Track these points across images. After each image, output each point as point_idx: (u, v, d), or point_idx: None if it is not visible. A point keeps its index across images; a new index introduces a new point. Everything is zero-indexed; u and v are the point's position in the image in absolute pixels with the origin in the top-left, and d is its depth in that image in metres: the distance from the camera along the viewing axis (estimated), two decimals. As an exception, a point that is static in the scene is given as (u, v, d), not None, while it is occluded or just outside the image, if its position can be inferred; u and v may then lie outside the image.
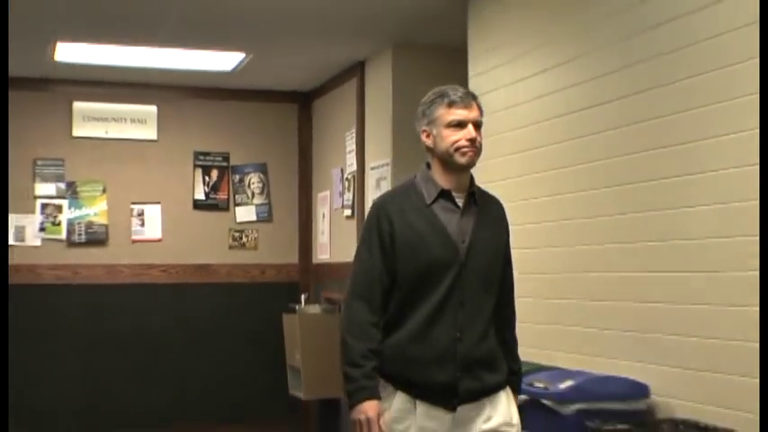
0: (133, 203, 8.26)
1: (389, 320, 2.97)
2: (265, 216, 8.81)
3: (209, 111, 8.64)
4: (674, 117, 4.20)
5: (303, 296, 8.31)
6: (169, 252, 8.41)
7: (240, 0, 6.02)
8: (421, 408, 2.90)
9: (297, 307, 8.13)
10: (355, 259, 3.10)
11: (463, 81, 5.89)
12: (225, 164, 8.66)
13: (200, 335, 8.47)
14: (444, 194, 2.99)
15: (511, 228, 3.34)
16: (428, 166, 3.09)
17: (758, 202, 3.56)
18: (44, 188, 8.05)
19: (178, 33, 6.92)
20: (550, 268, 4.85)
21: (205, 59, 7.52)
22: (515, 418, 3.03)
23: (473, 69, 6.02)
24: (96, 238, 8.15)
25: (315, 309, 8.12)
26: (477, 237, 3.00)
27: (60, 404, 8.02)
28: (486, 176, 5.25)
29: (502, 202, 3.29)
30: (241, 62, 7.54)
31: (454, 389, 2.90)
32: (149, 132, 8.35)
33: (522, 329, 3.65)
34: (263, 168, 8.80)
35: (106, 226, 8.16)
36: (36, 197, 8.01)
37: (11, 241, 7.80)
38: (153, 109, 8.35)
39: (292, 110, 8.99)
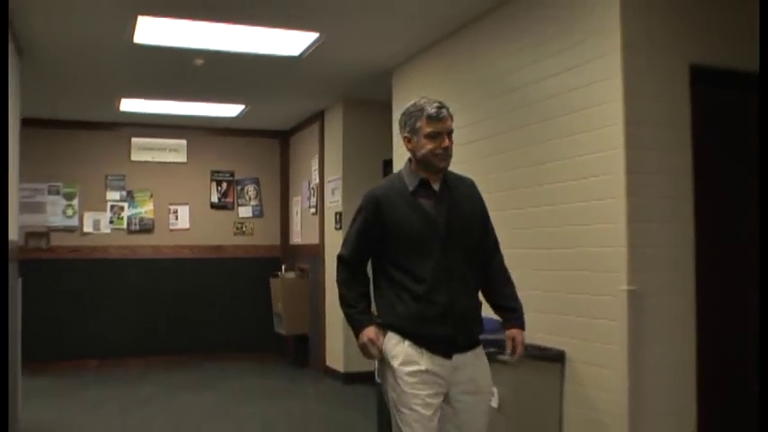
0: (170, 204, 9.70)
1: (398, 287, 3.07)
2: (258, 213, 10.20)
3: (221, 143, 10.00)
4: (550, 154, 4.57)
5: (283, 266, 9.74)
6: (194, 237, 9.77)
7: (244, 70, 6.95)
8: (427, 354, 3.01)
9: (279, 273, 9.56)
10: (346, 236, 3.25)
11: (389, 126, 6.82)
12: (231, 178, 10.04)
13: (215, 293, 9.78)
14: (423, 183, 3.09)
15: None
16: (410, 161, 3.17)
17: (607, 201, 4.05)
18: (112, 195, 9.44)
19: (202, 95, 8.10)
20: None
21: (217, 109, 8.70)
22: (488, 372, 3.18)
23: (396, 115, 6.50)
24: (146, 227, 9.56)
25: (291, 275, 9.51)
26: (453, 213, 3.08)
27: (122, 338, 9.31)
28: None
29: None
30: (242, 111, 8.84)
31: (454, 340, 3.03)
32: (181, 157, 9.80)
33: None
34: (257, 181, 10.19)
35: (153, 220, 9.60)
36: (107, 200, 9.42)
37: (90, 229, 9.23)
38: (184, 142, 9.80)
39: (276, 143, 10.34)
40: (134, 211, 9.58)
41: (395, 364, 3.05)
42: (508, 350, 3.28)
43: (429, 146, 3.05)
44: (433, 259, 3.03)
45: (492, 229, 3.35)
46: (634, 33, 4.12)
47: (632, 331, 3.97)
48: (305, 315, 9.40)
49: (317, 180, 9.09)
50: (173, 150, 9.79)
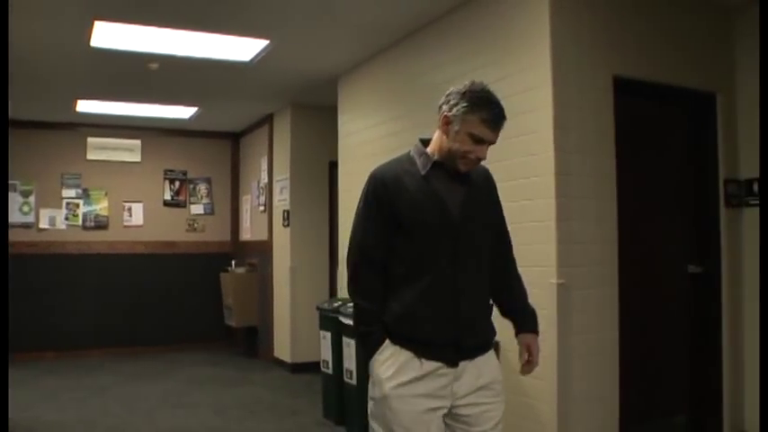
0: (125, 202, 9.53)
1: (395, 283, 2.52)
2: (210, 210, 10.11)
3: (175, 143, 9.86)
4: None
5: (233, 262, 9.65)
6: (148, 233, 9.65)
7: (197, 75, 6.84)
8: (427, 364, 2.46)
9: (229, 268, 9.56)
10: (357, 227, 2.61)
11: (335, 130, 6.99)
12: (184, 177, 9.93)
13: (168, 287, 9.67)
14: (437, 165, 2.54)
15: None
16: (422, 142, 2.62)
17: (538, 201, 4.14)
18: (68, 192, 9.24)
19: (157, 98, 8.01)
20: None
21: (170, 111, 8.59)
22: (500, 375, 2.60)
23: (341, 119, 6.90)
24: (101, 224, 9.39)
25: (241, 269, 9.47)
26: (469, 204, 2.55)
27: (79, 330, 9.15)
28: (348, 183, 6.55)
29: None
30: (195, 113, 8.76)
31: (459, 346, 2.48)
32: (136, 157, 9.65)
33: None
34: (208, 180, 10.12)
35: (107, 217, 9.44)
36: (62, 198, 9.22)
37: (46, 226, 9.02)
38: (138, 142, 9.66)
39: (227, 144, 10.28)
40: (89, 208, 9.42)
41: (387, 375, 2.49)
42: (523, 359, 2.70)
43: (466, 146, 2.49)
44: (443, 252, 2.50)
45: (507, 230, 2.80)
46: (562, 46, 4.21)
47: (561, 322, 4.06)
48: (254, 308, 9.38)
49: (266, 180, 9.08)
50: (127, 150, 9.67)
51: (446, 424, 2.54)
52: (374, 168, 2.63)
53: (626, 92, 4.47)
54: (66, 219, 9.32)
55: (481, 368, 2.55)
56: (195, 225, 10.06)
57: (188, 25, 5.47)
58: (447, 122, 2.51)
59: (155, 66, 6.49)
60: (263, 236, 9.17)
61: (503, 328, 2.75)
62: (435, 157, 2.56)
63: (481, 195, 2.64)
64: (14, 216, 8.99)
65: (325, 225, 8.45)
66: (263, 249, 9.18)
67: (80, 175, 9.43)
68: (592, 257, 4.24)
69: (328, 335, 5.88)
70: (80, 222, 9.39)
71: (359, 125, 6.56)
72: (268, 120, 9.08)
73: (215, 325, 9.85)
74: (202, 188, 10.14)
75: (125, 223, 9.63)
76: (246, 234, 9.94)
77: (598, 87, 4.33)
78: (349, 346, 5.50)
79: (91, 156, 9.44)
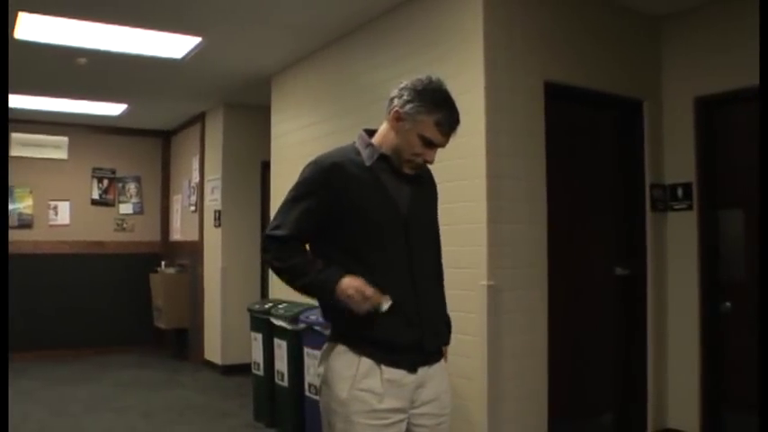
0: (50, 200, 9.30)
1: None
2: (139, 210, 9.97)
3: (103, 141, 9.69)
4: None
5: (163, 262, 9.59)
6: (75, 233, 9.42)
7: (126, 71, 6.72)
8: (387, 370, 2.28)
9: (159, 269, 9.48)
10: (280, 211, 2.37)
11: (268, 129, 6.95)
12: (112, 175, 9.77)
13: (96, 288, 9.48)
14: (383, 158, 2.37)
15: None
16: (367, 133, 2.47)
17: (471, 203, 4.16)
18: None
19: (85, 94, 7.82)
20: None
21: (99, 107, 8.40)
22: (450, 392, 2.49)
23: (274, 119, 6.89)
24: (25, 223, 9.14)
25: (171, 270, 9.37)
26: (416, 200, 2.40)
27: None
28: (280, 184, 6.46)
29: None
30: (125, 110, 8.60)
31: (421, 348, 2.33)
32: (62, 154, 9.42)
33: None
34: (138, 179, 9.96)
35: (32, 215, 9.19)
36: None
37: None
38: (65, 139, 9.43)
39: (158, 142, 10.13)
40: (13, 206, 9.14)
41: (344, 388, 2.28)
42: None
43: (415, 148, 2.34)
44: (396, 248, 2.32)
45: (440, 236, 2.62)
46: (495, 50, 4.26)
47: (491, 323, 4.10)
48: (184, 309, 9.28)
49: (198, 179, 9.02)
50: (54, 147, 9.44)
51: None
52: (316, 156, 2.42)
53: (557, 97, 4.55)
54: (-11, 217, 9.00)
55: (437, 377, 2.43)
56: (124, 225, 9.91)
57: (118, 20, 5.36)
58: (398, 119, 2.35)
59: (83, 61, 6.36)
60: (194, 236, 9.08)
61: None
62: (382, 150, 2.39)
63: (425, 194, 2.51)
64: (-68, 214, 8.61)
65: (257, 226, 8.40)
66: (193, 250, 9.09)
67: (4, 172, 9.11)
68: (522, 260, 4.30)
69: (259, 336, 5.85)
70: (4, 221, 9.05)
71: (292, 125, 6.55)
72: (200, 118, 9.00)
73: (144, 327, 9.70)
74: (132, 187, 9.98)
75: (50, 222, 9.39)
76: (177, 234, 9.85)
77: (530, 92, 4.40)
78: (280, 347, 5.48)
79: (15, 152, 9.13)
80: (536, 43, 4.46)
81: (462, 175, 4.26)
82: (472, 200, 4.21)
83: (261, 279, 8.35)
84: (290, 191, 2.39)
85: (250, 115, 8.33)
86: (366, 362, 2.29)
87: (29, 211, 9.27)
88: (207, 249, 8.74)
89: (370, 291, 2.22)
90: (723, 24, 4.79)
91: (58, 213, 9.44)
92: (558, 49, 4.59)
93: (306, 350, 5.08)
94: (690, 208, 4.99)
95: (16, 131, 9.16)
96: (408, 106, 2.32)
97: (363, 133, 2.47)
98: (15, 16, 5.22)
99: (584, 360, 4.90)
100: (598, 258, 5.00)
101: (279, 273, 2.35)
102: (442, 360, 2.48)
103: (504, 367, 4.17)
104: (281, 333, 5.41)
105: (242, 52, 6.26)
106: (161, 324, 9.30)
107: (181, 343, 9.42)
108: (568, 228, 4.73)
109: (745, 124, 4.71)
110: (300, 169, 2.45)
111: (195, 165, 9.15)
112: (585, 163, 4.97)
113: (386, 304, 2.26)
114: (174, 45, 5.99)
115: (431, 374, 2.39)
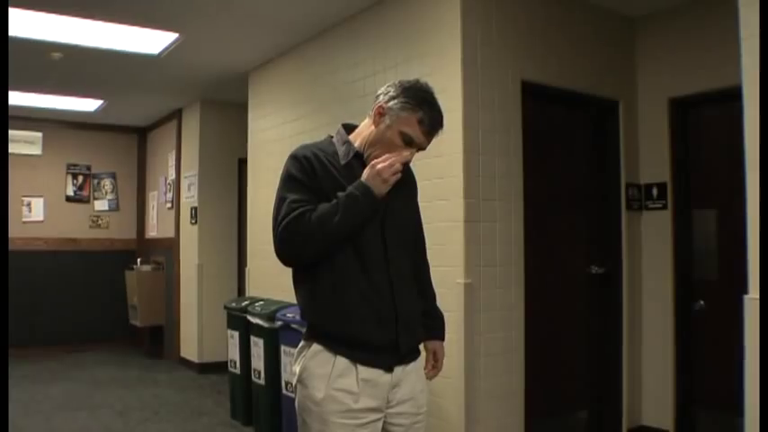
0: (24, 196, 9.21)
1: (320, 282, 2.26)
2: (114, 207, 9.91)
3: (78, 137, 9.60)
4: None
5: (139, 260, 9.53)
6: (49, 230, 9.33)
7: (102, 66, 6.67)
8: (363, 370, 2.25)
9: (134, 266, 9.40)
10: (280, 203, 2.28)
11: (245, 126, 6.93)
12: (87, 172, 9.69)
13: (70, 285, 9.39)
14: (359, 156, 2.35)
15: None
16: (346, 128, 2.45)
17: (448, 201, 4.18)
18: None
19: (60, 89, 7.70)
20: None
21: (74, 103, 8.38)
22: (426, 391, 2.47)
23: (251, 115, 6.86)
24: None
25: (146, 267, 9.32)
26: (393, 198, 2.32)
27: None
28: (257, 181, 6.54)
29: None
30: (100, 106, 8.55)
31: (397, 346, 2.30)
32: (36, 150, 9.33)
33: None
34: (113, 175, 9.90)
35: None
36: None
37: None
38: (39, 134, 9.33)
39: (134, 138, 10.09)
40: (-15, 202, 8.97)
41: (319, 387, 2.25)
42: (428, 365, 2.59)
43: (393, 146, 2.31)
44: (372, 248, 2.29)
45: (423, 233, 2.65)
46: (473, 48, 4.27)
47: (467, 321, 4.12)
48: (160, 307, 9.23)
49: (174, 176, 8.97)
50: (27, 142, 9.31)
51: None
52: (294, 149, 2.38)
53: (534, 96, 4.60)
54: (-40, 213, 8.88)
55: (413, 376, 2.40)
56: (99, 221, 9.83)
57: (94, 14, 5.31)
58: (380, 113, 2.33)
59: (58, 55, 6.30)
60: (170, 233, 9.03)
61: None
62: (357, 147, 2.37)
63: (404, 193, 2.44)
64: None
65: (234, 223, 8.39)
66: (169, 247, 9.05)
67: (-25, 167, 9.00)
68: (499, 258, 4.32)
69: (236, 334, 5.83)
70: (-25, 217, 8.97)
71: (269, 122, 6.54)
72: (177, 115, 8.96)
73: (119, 324, 9.64)
74: (107, 183, 9.91)
75: (24, 219, 9.29)
76: (152, 231, 9.78)
77: (507, 90, 4.42)
78: (257, 345, 5.46)
79: (-12, 148, 9.01)
80: (513, 42, 4.49)
81: (439, 173, 4.27)
82: (449, 198, 4.22)
83: (237, 276, 8.31)
84: (280, 189, 2.33)
85: (227, 112, 8.31)
86: (342, 361, 2.26)
87: (2, 208, 9.12)
88: (183, 246, 8.69)
89: (391, 155, 2.26)
90: (697, 26, 4.83)
91: (31, 210, 9.35)
92: (535, 49, 4.61)
93: (283, 348, 5.07)
94: (664, 207, 5.04)
95: (-11, 126, 9.01)
96: (393, 102, 2.31)
97: (342, 129, 2.45)
98: (-11, 10, 5.15)
99: (559, 358, 4.93)
100: (574, 257, 5.04)
101: (311, 236, 2.21)
102: (419, 359, 2.46)
103: (481, 365, 4.19)
104: (258, 331, 5.39)
105: (219, 49, 6.23)
106: (136, 322, 9.23)
107: (157, 341, 9.34)
108: (545, 226, 4.76)
109: (719, 125, 4.76)
110: (280, 166, 2.42)
111: (171, 161, 9.08)
112: (562, 162, 5.01)
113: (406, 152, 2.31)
114: (150, 41, 5.96)
115: (407, 374, 2.36)
